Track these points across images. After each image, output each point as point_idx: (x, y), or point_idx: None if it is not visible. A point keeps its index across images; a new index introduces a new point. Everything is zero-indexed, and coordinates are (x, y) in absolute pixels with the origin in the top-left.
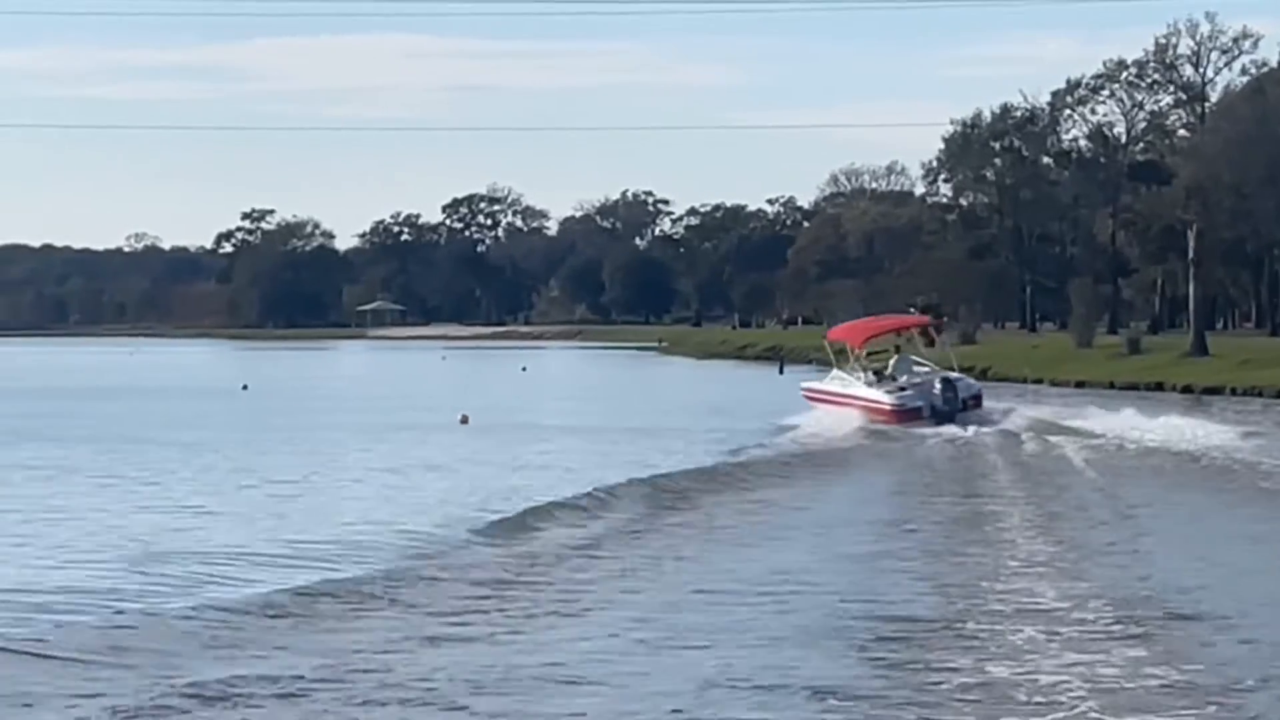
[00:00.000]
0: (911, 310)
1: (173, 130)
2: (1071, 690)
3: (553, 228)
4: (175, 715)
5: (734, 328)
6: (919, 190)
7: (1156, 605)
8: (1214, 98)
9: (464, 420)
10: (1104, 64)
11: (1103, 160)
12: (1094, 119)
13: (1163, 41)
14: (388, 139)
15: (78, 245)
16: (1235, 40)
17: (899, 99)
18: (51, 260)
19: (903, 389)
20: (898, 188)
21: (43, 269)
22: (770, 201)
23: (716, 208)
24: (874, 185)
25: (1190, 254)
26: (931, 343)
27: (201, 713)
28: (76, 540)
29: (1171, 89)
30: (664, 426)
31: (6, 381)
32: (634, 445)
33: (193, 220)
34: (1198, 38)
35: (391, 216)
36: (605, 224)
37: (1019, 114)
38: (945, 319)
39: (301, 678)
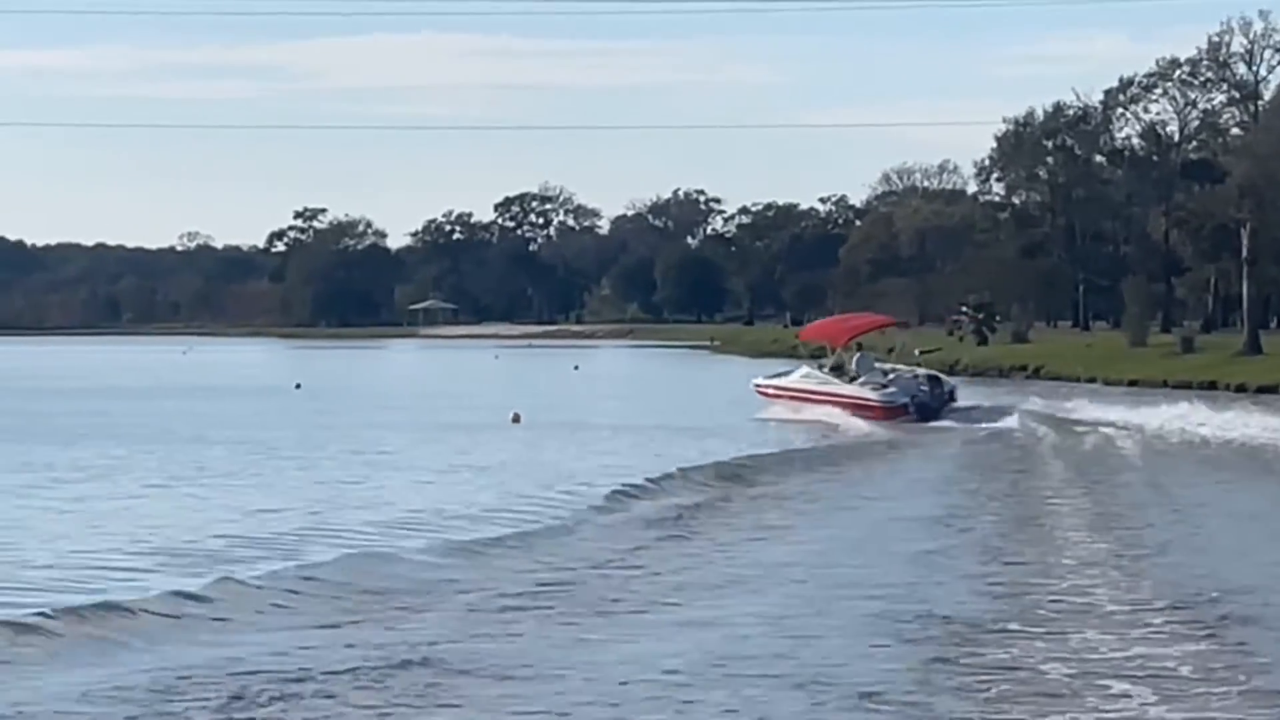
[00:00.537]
0: (964, 309)
1: (225, 129)
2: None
3: (604, 226)
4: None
5: (785, 326)
6: (971, 189)
7: (1219, 605)
8: (1267, 96)
9: (516, 419)
10: (1156, 62)
11: (1155, 159)
12: (1146, 117)
13: (1215, 40)
14: (440, 137)
15: (131, 244)
16: None
17: (951, 97)
18: (104, 259)
19: (886, 385)
20: (950, 186)
21: (96, 268)
22: (822, 200)
23: (768, 206)
24: (926, 184)
25: (1244, 252)
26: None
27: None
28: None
29: (1224, 87)
30: (718, 424)
31: (64, 381)
32: (686, 442)
33: (245, 219)
34: (1251, 36)
35: (443, 215)
36: (657, 223)
37: (1071, 112)
38: (906, 321)
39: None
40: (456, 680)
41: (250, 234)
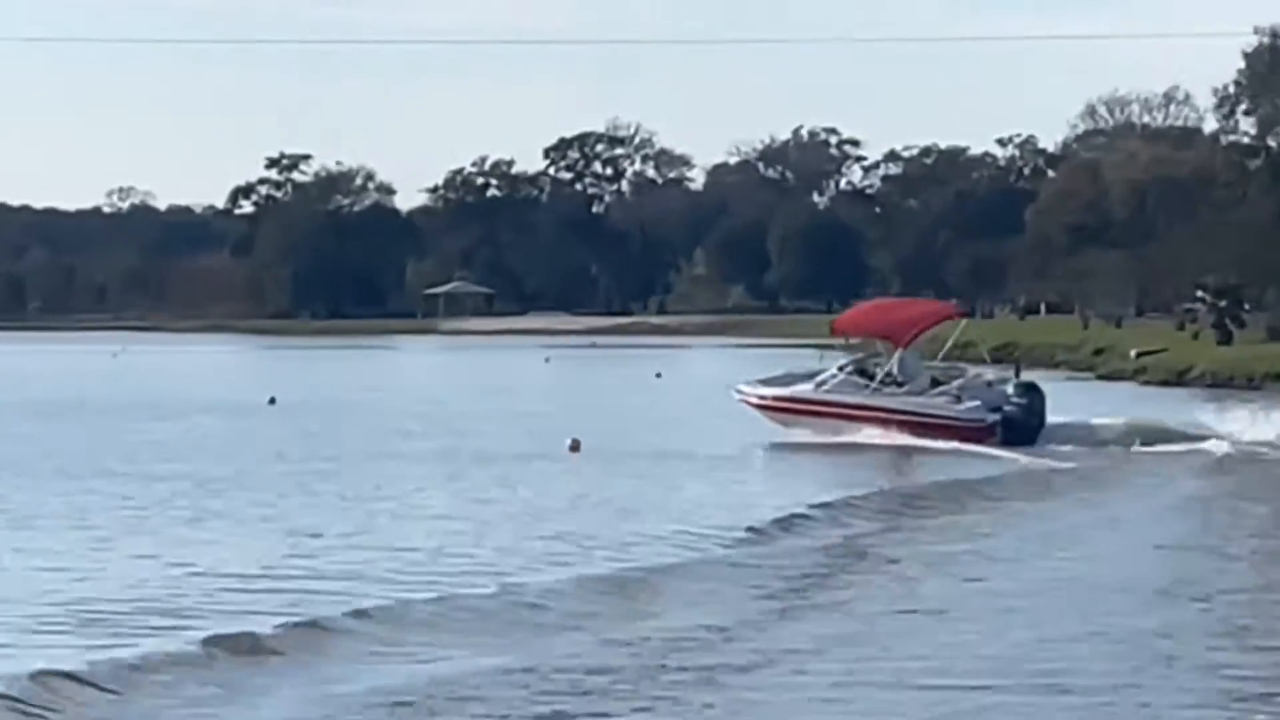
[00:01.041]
0: (1200, 294)
1: (168, 46)
2: None
3: (697, 179)
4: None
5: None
6: (1209, 126)
7: None
8: None
9: (575, 447)
10: None
11: None
12: None
13: None
14: (468, 57)
15: (38, 204)
16: None
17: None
18: (5, 225)
19: (958, 397)
20: (1179, 122)
21: None
22: (1001, 142)
23: (925, 151)
24: (1147, 119)
25: None
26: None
27: None
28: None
29: None
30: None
31: None
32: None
33: (198, 171)
34: None
35: (474, 164)
36: (771, 174)
37: None
38: (967, 311)
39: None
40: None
41: (205, 190)
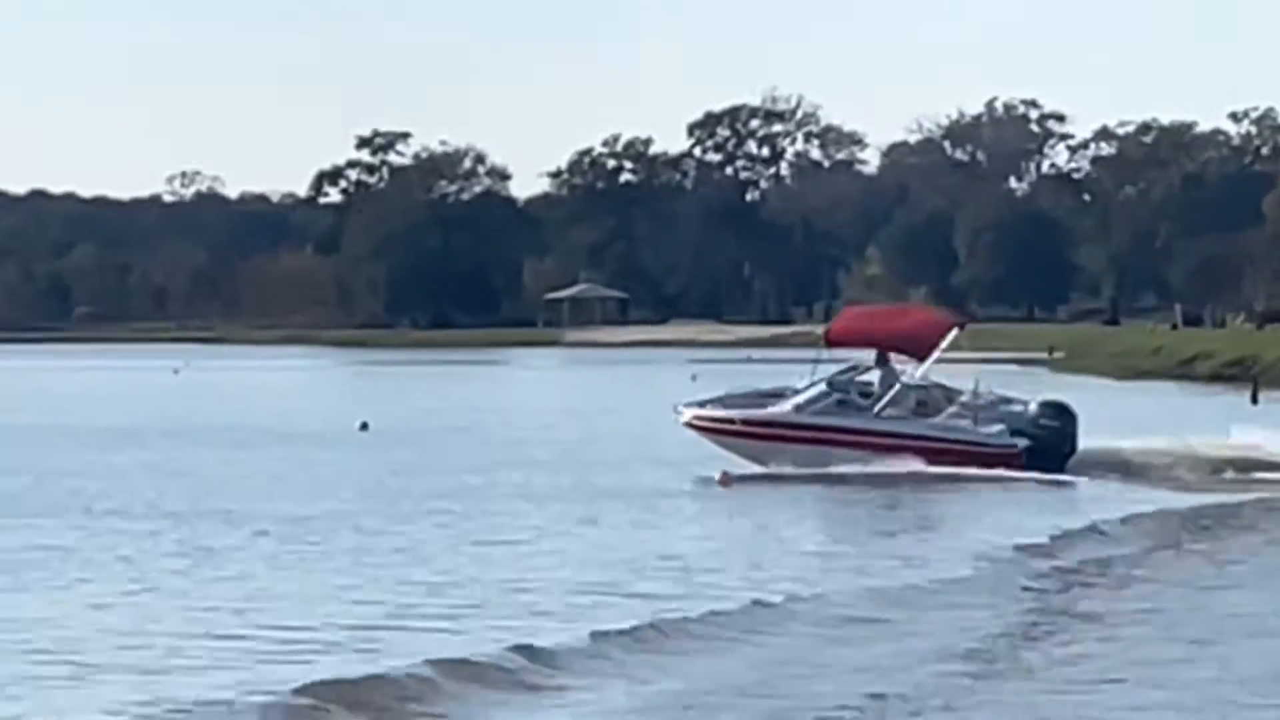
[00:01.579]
0: None
1: (237, 14)
2: None
3: (871, 161)
4: None
5: (1174, 327)
6: None
7: None
8: None
9: (724, 481)
10: None
11: None
12: None
13: None
14: (595, 14)
15: (86, 192)
16: None
17: None
18: (45, 218)
19: (977, 418)
20: None
21: (32, 232)
22: (1235, 117)
23: (1144, 128)
24: None
25: None
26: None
27: None
28: None
29: None
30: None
31: None
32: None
33: (275, 153)
34: None
35: (604, 144)
36: (959, 155)
37: None
38: (965, 321)
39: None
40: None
41: (284, 176)
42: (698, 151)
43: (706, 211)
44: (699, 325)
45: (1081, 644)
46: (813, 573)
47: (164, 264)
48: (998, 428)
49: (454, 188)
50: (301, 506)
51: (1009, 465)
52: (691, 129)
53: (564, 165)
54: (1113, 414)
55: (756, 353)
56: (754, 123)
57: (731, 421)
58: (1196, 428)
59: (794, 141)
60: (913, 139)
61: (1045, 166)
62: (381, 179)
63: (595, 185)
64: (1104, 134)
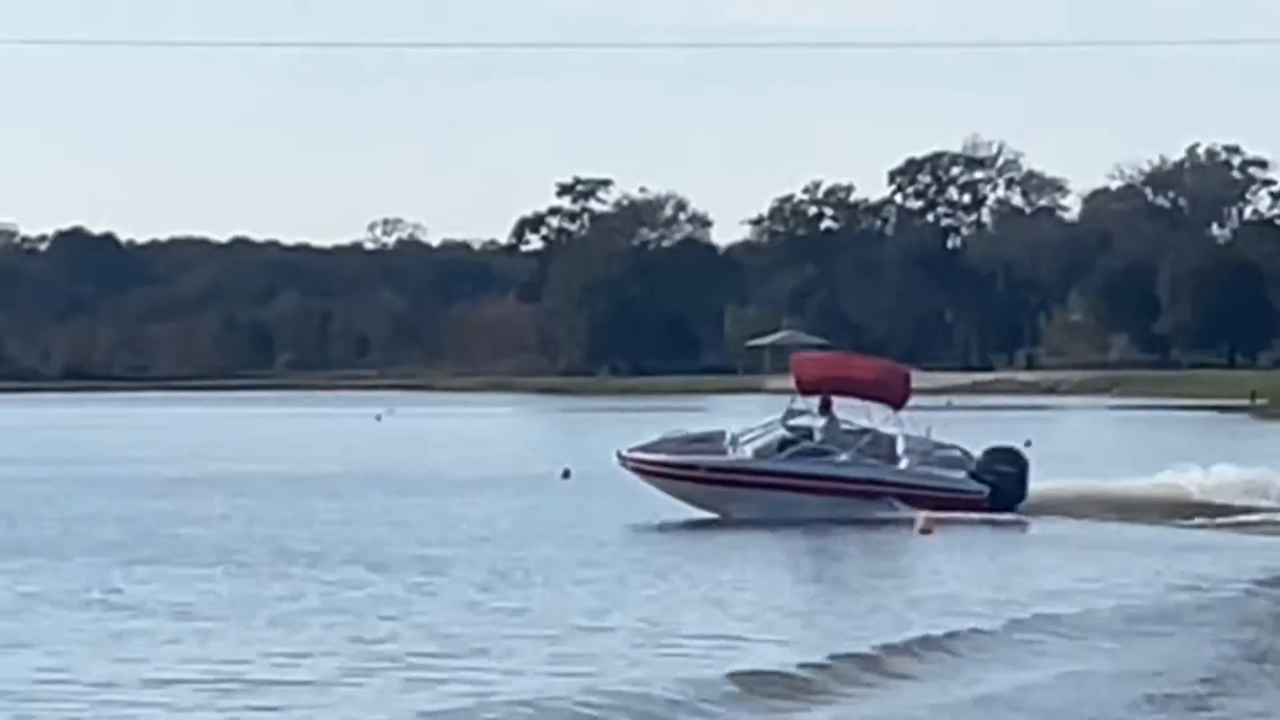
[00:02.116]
0: None
1: (443, 54)
2: None
3: (1072, 208)
4: None
5: None
6: None
7: None
8: None
9: (928, 529)
10: None
11: None
12: None
13: None
14: (797, 62)
15: (288, 240)
16: None
17: None
18: (248, 266)
19: (930, 460)
20: None
21: (233, 280)
22: None
23: None
24: None
25: None
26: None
27: None
28: None
29: None
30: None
31: (182, 466)
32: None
33: (477, 200)
34: None
35: (805, 191)
36: (1161, 201)
37: None
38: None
39: None
40: None
41: (486, 224)
42: (899, 198)
43: (907, 258)
44: None
45: None
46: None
47: (366, 311)
48: (962, 473)
49: (655, 235)
50: (513, 550)
51: (975, 510)
52: (893, 176)
53: (765, 212)
54: None
55: (957, 399)
56: (955, 169)
57: (694, 468)
58: None
59: (995, 188)
60: (1114, 185)
61: (1247, 213)
62: (583, 226)
63: (796, 232)
64: None
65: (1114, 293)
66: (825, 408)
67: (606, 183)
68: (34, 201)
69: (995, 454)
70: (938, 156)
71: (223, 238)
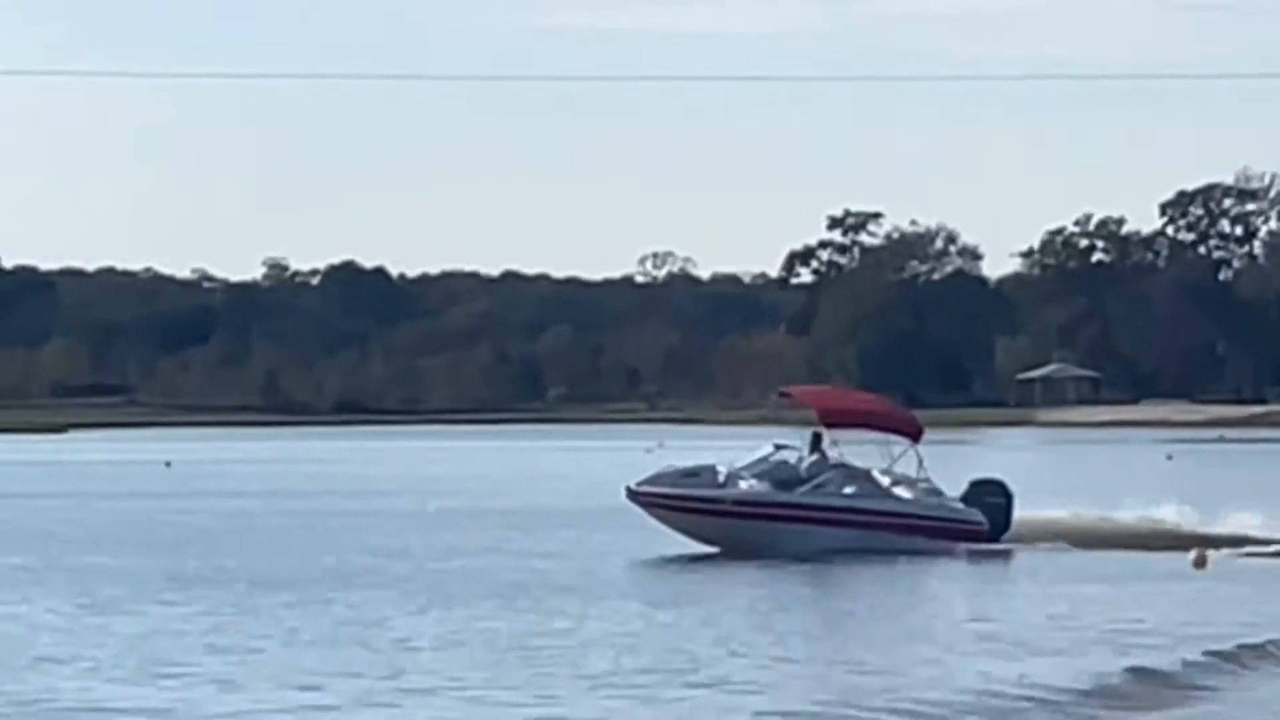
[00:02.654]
0: None
1: (698, 86)
2: None
3: None
4: None
5: None
6: None
7: None
8: None
9: (1200, 562)
10: None
11: None
12: None
13: None
14: (1060, 94)
15: (558, 273)
16: None
17: None
18: (518, 298)
19: (915, 492)
20: None
21: (504, 313)
22: None
23: None
24: None
25: None
26: None
27: None
28: None
29: None
30: None
31: (466, 500)
32: None
33: (746, 233)
34: None
35: (1076, 223)
36: None
37: None
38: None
39: None
40: None
41: (755, 257)
42: (1170, 230)
43: (1179, 290)
44: (1171, 405)
45: None
46: None
47: (636, 344)
48: (960, 505)
49: (925, 268)
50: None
51: (975, 540)
52: (1164, 208)
53: (1036, 245)
54: None
55: (1230, 433)
56: (1227, 201)
57: (720, 501)
58: None
59: (1267, 220)
60: None
61: None
62: (852, 259)
63: (1067, 265)
64: None
65: None
66: (816, 443)
67: (877, 215)
68: (306, 235)
69: (982, 486)
70: (1210, 189)
71: (494, 271)
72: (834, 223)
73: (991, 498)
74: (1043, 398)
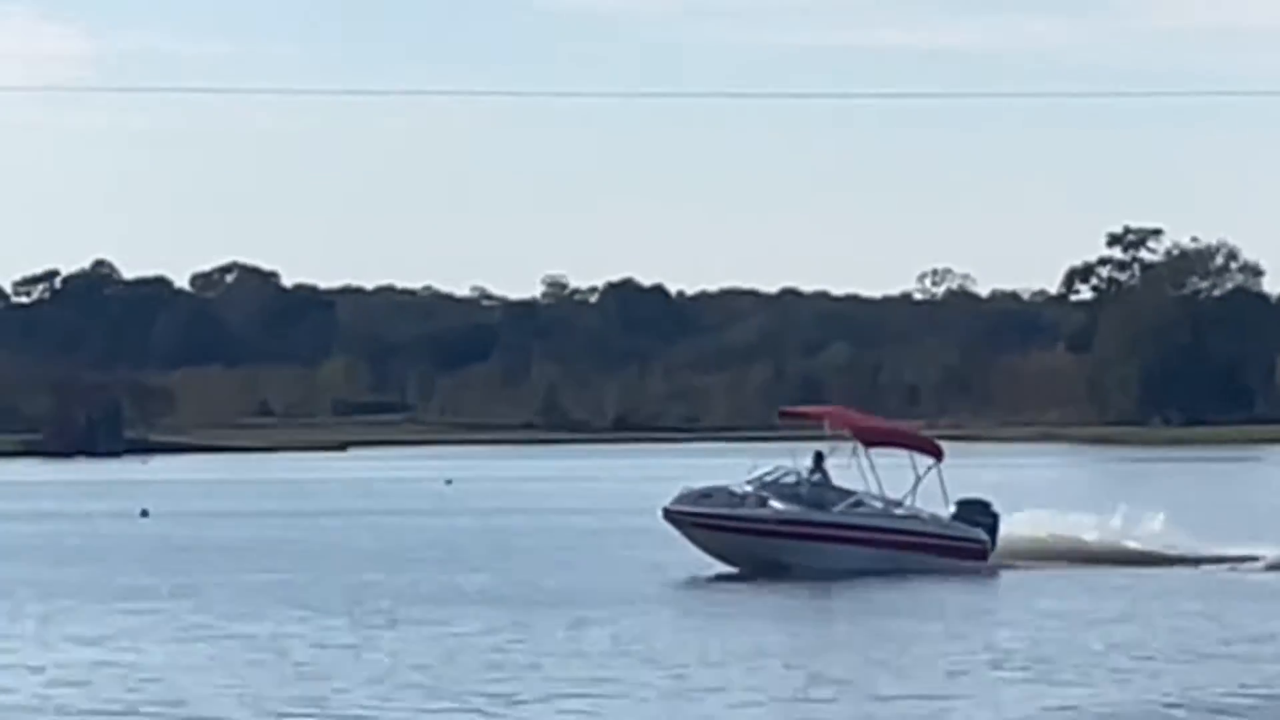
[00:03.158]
0: None
1: (991, 115)
2: None
3: None
4: None
5: None
6: None
7: None
8: None
9: None
10: None
11: None
12: None
13: None
14: None
15: (837, 290)
16: None
17: None
18: (797, 317)
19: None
20: None
21: (783, 331)
22: None
23: None
24: None
25: None
26: None
27: None
28: None
29: None
30: None
31: None
32: None
33: (1026, 251)
34: None
35: None
36: None
37: None
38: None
39: None
40: None
41: (1035, 274)
42: None
43: None
44: None
45: None
46: None
47: (915, 361)
48: (962, 523)
49: (1205, 284)
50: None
51: (976, 558)
52: None
53: None
54: None
55: None
56: None
57: (764, 520)
58: None
59: None
60: None
61: None
62: (1133, 276)
63: None
64: None
65: None
66: (819, 462)
67: (1157, 232)
68: (585, 253)
69: (970, 506)
70: None
71: (772, 288)
72: (1114, 239)
73: (979, 518)
74: None
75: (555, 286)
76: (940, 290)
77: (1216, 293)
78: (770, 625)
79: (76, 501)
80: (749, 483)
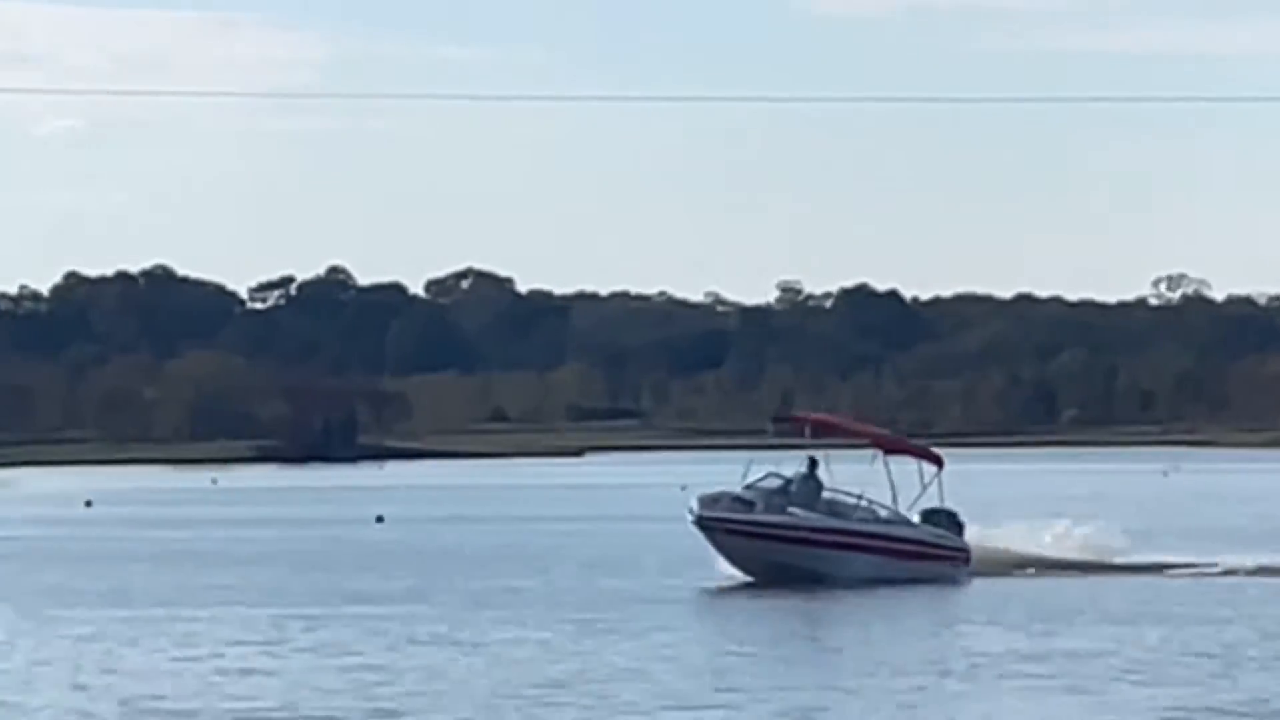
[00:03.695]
0: None
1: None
2: None
3: None
4: None
5: None
6: None
7: None
8: None
9: None
10: None
11: None
12: None
13: None
14: None
15: (1072, 296)
16: None
17: None
18: (1031, 322)
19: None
20: None
21: (1019, 336)
22: None
23: None
24: None
25: None
26: None
27: None
28: None
29: None
30: None
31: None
32: None
33: (1263, 254)
34: None
35: None
36: None
37: None
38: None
39: None
40: None
41: (1270, 277)
42: None
43: None
44: None
45: None
46: None
47: (1151, 367)
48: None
49: None
50: None
51: (958, 564)
52: None
53: None
54: None
55: None
56: None
57: (803, 529)
58: None
59: None
60: None
61: None
62: None
63: None
64: None
65: None
66: (813, 468)
67: None
68: (819, 258)
69: (936, 515)
70: None
71: (1006, 294)
72: None
73: (947, 526)
74: None
75: (790, 292)
76: (1175, 295)
77: None
78: None
79: (312, 507)
80: (748, 488)
